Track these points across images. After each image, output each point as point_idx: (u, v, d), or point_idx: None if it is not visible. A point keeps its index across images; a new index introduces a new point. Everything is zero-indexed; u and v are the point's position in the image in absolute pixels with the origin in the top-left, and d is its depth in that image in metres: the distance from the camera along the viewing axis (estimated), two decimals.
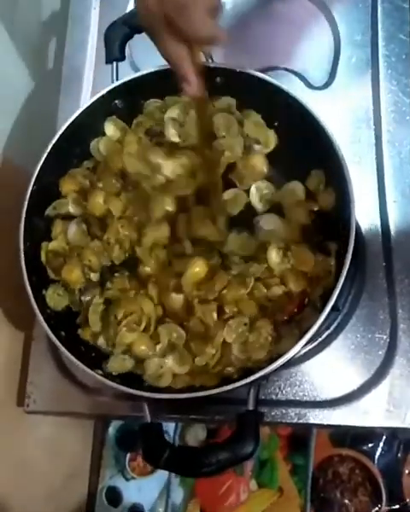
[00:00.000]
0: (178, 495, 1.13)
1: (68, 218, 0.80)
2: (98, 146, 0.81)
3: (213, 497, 1.09)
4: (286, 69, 0.91)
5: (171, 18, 0.54)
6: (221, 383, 0.66)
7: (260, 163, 0.78)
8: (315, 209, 0.75)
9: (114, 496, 1.15)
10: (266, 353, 0.68)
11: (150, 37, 0.58)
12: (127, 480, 1.17)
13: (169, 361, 0.71)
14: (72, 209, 0.80)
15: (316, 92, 0.89)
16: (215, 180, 0.75)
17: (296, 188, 0.77)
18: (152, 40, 0.58)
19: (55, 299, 0.77)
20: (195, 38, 0.55)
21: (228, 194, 0.78)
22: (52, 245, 0.78)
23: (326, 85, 0.90)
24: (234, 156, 0.78)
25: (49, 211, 0.80)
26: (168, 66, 0.74)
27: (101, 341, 0.74)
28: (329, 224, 0.74)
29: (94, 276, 0.78)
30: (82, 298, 0.78)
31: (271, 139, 0.79)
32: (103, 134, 0.81)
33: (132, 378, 0.72)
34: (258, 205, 0.78)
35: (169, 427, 1.12)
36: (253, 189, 0.79)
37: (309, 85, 0.90)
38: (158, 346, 0.72)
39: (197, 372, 0.70)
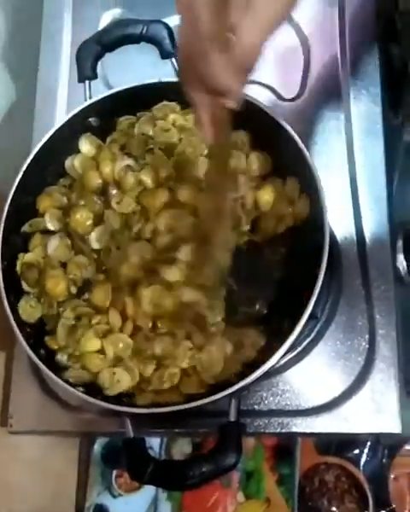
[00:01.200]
0: (166, 510, 1.12)
1: (47, 232, 0.80)
2: (73, 163, 0.81)
3: (201, 511, 1.08)
4: (257, 82, 0.92)
5: (194, 63, 0.53)
6: (197, 396, 0.66)
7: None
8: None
9: None
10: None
11: (181, 82, 0.58)
12: (114, 496, 1.16)
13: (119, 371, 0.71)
14: (50, 225, 0.80)
15: (287, 104, 0.91)
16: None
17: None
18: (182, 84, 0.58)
19: (28, 310, 0.76)
20: (213, 88, 0.54)
21: None
22: (28, 257, 0.78)
23: (298, 97, 0.91)
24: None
25: (25, 228, 0.80)
26: (141, 83, 0.77)
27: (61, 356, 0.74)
28: (304, 233, 0.74)
29: (73, 289, 0.78)
30: (60, 310, 0.77)
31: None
32: (78, 151, 0.82)
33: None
34: None
35: (155, 442, 1.12)
36: None
37: (280, 98, 0.91)
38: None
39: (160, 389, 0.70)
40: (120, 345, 0.71)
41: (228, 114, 0.57)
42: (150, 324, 0.71)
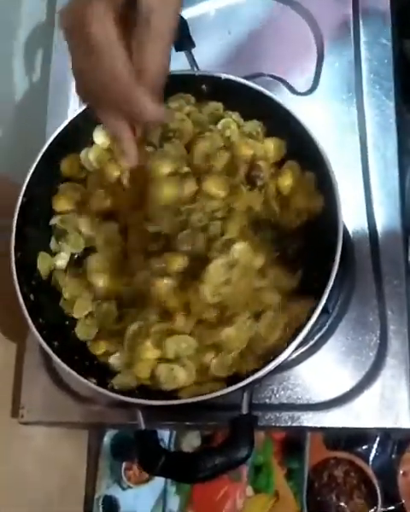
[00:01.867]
0: (174, 503, 1.13)
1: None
2: (88, 156, 0.81)
3: (209, 504, 1.09)
4: (271, 76, 0.91)
5: (114, 103, 0.53)
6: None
7: None
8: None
9: (110, 505, 1.14)
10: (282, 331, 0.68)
11: (89, 106, 0.57)
12: (123, 489, 1.16)
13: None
14: (85, 230, 0.79)
15: (300, 98, 0.90)
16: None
17: None
18: (90, 108, 0.57)
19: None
20: (138, 121, 0.55)
21: None
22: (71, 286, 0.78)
23: (310, 91, 0.91)
24: None
25: (56, 221, 0.80)
26: None
27: (113, 360, 0.74)
28: (317, 228, 0.74)
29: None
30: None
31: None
32: (92, 143, 0.82)
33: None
34: None
35: (164, 435, 1.12)
36: None
37: (294, 91, 0.91)
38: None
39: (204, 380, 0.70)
40: (183, 345, 0.70)
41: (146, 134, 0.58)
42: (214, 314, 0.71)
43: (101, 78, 0.51)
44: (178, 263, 0.71)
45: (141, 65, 0.51)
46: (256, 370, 0.64)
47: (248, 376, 0.64)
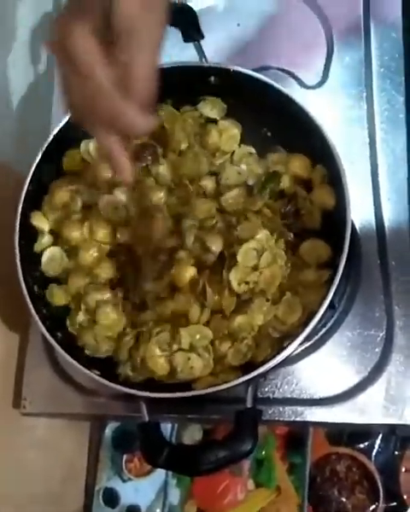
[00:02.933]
0: (175, 496, 1.13)
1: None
2: (88, 148, 0.81)
3: (210, 498, 1.08)
4: (279, 69, 0.91)
5: (104, 120, 0.52)
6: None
7: None
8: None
9: (111, 497, 1.14)
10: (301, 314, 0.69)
11: (78, 122, 0.56)
12: (124, 481, 1.16)
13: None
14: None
15: (309, 91, 0.90)
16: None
17: None
18: (79, 124, 0.56)
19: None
20: (128, 134, 0.55)
21: None
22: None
23: (319, 84, 0.90)
24: None
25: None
26: (163, 66, 0.76)
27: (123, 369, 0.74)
28: (325, 222, 0.74)
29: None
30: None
31: None
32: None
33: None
34: None
35: (165, 428, 1.12)
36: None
37: (303, 85, 0.90)
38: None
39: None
40: (197, 336, 0.70)
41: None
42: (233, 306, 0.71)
43: (88, 95, 0.51)
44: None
45: (127, 79, 0.50)
46: (264, 363, 0.63)
47: (262, 364, 0.63)
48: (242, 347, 0.69)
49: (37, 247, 0.78)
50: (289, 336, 0.66)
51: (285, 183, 0.76)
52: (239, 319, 0.69)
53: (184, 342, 0.69)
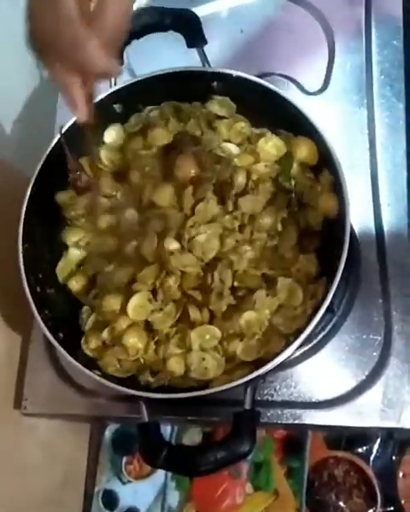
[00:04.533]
0: (174, 498, 1.13)
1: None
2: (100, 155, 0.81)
3: (209, 501, 1.09)
4: (282, 75, 0.92)
5: (64, 50, 0.52)
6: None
7: None
8: None
9: (110, 499, 1.15)
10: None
11: (37, 58, 0.56)
12: (124, 483, 1.17)
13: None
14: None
15: (311, 98, 0.91)
16: None
17: None
18: (38, 60, 0.56)
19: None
20: (88, 72, 0.54)
21: None
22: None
23: (321, 91, 0.91)
24: None
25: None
26: (167, 70, 0.77)
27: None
28: (325, 228, 0.75)
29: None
30: None
31: None
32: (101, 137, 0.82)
33: (129, 378, 0.72)
34: None
35: (165, 432, 1.13)
36: None
37: (304, 91, 0.92)
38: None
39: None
40: (207, 336, 0.70)
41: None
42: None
43: (53, 22, 0.50)
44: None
45: (99, 13, 0.50)
46: (263, 364, 0.64)
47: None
48: (251, 344, 0.69)
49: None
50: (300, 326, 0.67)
51: (293, 168, 0.76)
52: (246, 315, 0.70)
53: (194, 343, 0.70)
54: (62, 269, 0.80)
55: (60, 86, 0.56)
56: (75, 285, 0.79)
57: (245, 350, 0.69)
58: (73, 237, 0.81)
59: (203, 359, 0.69)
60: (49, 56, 0.54)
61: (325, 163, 0.72)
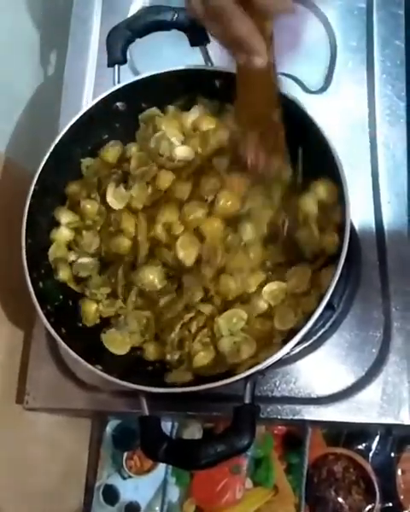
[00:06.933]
0: (174, 493, 1.14)
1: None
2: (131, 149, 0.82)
3: (208, 496, 1.09)
4: (283, 74, 0.92)
5: None
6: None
7: None
8: None
9: (110, 494, 1.15)
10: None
11: (203, 22, 0.55)
12: (124, 478, 1.17)
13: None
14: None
15: (312, 96, 0.91)
16: None
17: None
18: (204, 23, 0.56)
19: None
20: (268, 12, 0.53)
21: None
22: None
23: (322, 90, 0.92)
24: None
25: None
26: (171, 69, 0.77)
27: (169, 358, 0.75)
28: None
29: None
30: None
31: None
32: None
33: (130, 372, 0.73)
34: None
35: (166, 428, 1.13)
36: None
37: (306, 89, 0.92)
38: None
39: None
40: (234, 319, 0.71)
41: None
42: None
43: None
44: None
45: None
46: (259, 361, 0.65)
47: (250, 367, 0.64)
48: (286, 311, 0.70)
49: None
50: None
51: (310, 206, 0.74)
52: (268, 288, 0.71)
53: (223, 330, 0.70)
54: (53, 251, 0.81)
55: (237, 37, 0.54)
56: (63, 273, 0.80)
57: (280, 319, 0.70)
58: (65, 218, 0.81)
59: (234, 343, 0.70)
60: (224, 5, 0.53)
61: (325, 163, 0.72)
